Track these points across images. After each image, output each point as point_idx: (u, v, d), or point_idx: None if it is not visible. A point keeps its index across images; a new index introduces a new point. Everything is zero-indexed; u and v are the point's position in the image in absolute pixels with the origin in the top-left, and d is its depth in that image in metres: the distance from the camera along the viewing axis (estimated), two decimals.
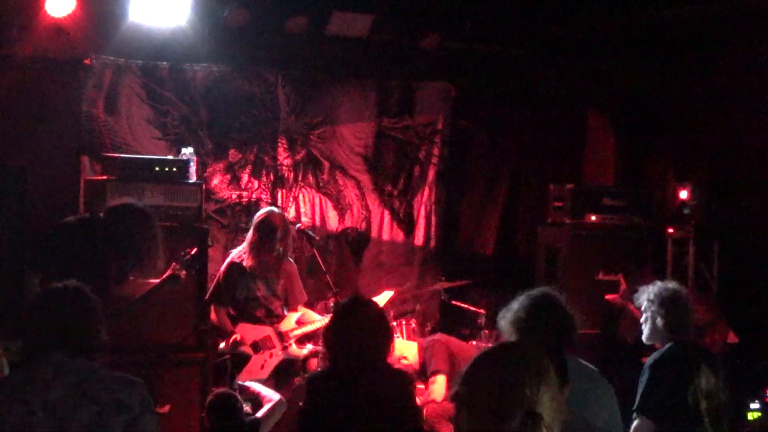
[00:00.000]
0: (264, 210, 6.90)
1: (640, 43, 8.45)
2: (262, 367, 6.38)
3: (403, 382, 4.11)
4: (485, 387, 2.26)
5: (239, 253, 6.68)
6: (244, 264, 6.57)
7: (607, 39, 8.54)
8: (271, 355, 6.41)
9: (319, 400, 3.92)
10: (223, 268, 6.61)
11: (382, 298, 6.82)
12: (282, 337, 6.48)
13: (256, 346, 6.42)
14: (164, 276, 5.73)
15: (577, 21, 8.36)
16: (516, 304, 3.89)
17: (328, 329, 4.14)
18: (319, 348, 6.74)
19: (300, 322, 6.63)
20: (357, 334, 3.96)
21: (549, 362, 2.35)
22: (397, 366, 6.26)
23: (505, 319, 3.90)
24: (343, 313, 4.11)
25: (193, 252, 5.88)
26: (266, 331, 6.47)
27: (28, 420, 3.11)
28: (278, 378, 6.57)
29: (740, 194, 8.00)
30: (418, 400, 5.22)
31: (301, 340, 6.67)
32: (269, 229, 6.52)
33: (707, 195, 8.00)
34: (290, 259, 6.82)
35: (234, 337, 6.42)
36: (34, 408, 3.12)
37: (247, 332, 6.45)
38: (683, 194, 8.04)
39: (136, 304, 5.65)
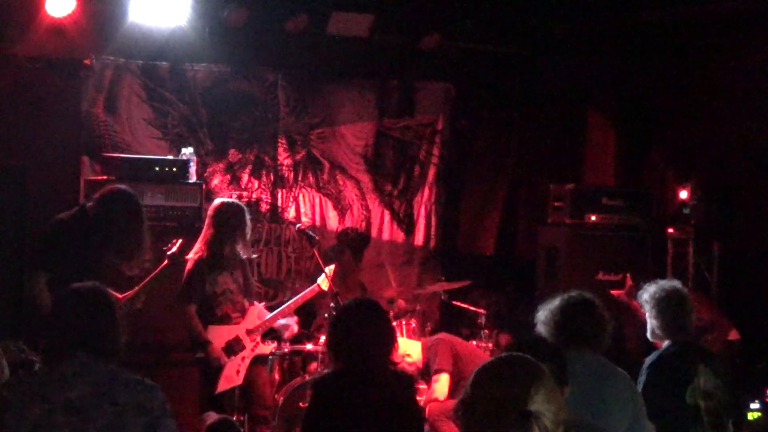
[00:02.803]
0: (217, 201, 6.48)
1: (640, 43, 8.44)
2: (238, 372, 6.21)
3: (407, 383, 4.13)
4: (484, 395, 2.38)
5: (197, 250, 6.24)
6: (207, 258, 6.18)
7: (606, 38, 8.54)
8: (243, 358, 6.25)
9: (327, 403, 3.91)
10: (189, 266, 6.19)
11: (323, 278, 6.45)
12: (251, 334, 6.31)
13: (229, 350, 6.18)
14: (160, 267, 5.70)
15: (577, 20, 8.36)
16: (552, 304, 4.08)
17: (332, 332, 4.11)
18: (319, 348, 6.69)
19: (260, 315, 6.42)
20: (362, 336, 3.95)
21: (544, 366, 2.42)
22: (399, 367, 6.26)
23: (539, 318, 4.09)
24: (347, 315, 4.09)
25: (178, 243, 5.80)
26: (235, 331, 6.23)
27: (48, 418, 3.11)
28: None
29: (740, 194, 7.99)
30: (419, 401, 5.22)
31: (265, 335, 6.48)
32: (226, 219, 6.16)
33: (707, 195, 7.99)
34: (241, 248, 6.32)
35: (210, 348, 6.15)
36: (55, 406, 3.12)
37: (217, 335, 6.19)
38: (683, 194, 8.04)
39: (136, 300, 5.62)
